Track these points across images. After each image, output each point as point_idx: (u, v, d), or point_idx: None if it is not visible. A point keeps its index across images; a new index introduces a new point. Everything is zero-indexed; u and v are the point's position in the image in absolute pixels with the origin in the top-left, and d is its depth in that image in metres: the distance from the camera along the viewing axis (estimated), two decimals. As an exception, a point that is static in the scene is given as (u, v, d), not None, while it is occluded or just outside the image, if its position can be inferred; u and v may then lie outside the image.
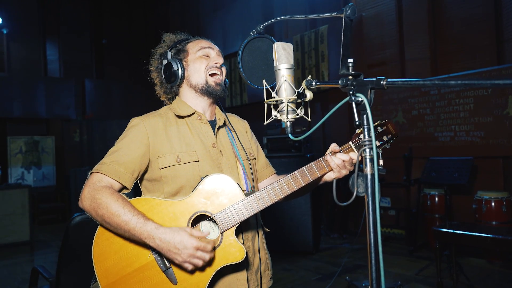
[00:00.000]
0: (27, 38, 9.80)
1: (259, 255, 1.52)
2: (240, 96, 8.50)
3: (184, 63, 1.55)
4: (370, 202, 0.90)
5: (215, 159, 1.48)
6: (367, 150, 0.91)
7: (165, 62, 1.56)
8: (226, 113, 1.67)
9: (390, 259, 4.96)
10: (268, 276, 1.57)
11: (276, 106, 1.16)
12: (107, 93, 10.62)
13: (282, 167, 5.21)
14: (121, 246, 1.35)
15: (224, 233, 1.35)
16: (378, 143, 1.42)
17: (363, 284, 3.89)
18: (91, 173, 1.42)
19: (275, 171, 1.76)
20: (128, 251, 1.34)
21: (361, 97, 0.89)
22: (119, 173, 1.39)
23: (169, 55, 1.55)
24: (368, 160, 0.91)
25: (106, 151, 1.47)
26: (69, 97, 9.94)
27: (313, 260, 5.07)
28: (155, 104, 1.69)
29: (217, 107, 1.62)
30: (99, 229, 1.37)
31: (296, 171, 1.38)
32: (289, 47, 1.14)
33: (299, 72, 6.97)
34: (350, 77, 0.95)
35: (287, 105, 1.10)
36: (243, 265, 1.41)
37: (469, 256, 4.78)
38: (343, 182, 5.41)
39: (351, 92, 0.90)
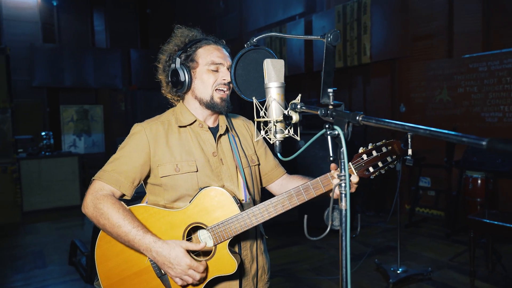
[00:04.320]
0: (76, 9, 10.11)
1: (257, 261, 1.55)
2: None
3: (192, 73, 1.50)
4: (344, 237, 0.89)
5: (214, 168, 1.49)
6: (342, 185, 0.88)
7: (173, 66, 1.52)
8: (231, 115, 1.66)
9: (425, 241, 4.85)
10: (264, 280, 1.61)
11: (266, 123, 1.14)
12: (152, 62, 10.80)
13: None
14: (122, 249, 1.42)
15: (217, 245, 1.39)
16: (381, 164, 1.38)
17: (391, 269, 3.84)
18: (93, 180, 1.47)
19: (286, 171, 1.74)
20: (128, 255, 1.42)
21: (337, 131, 0.86)
22: (120, 182, 1.43)
23: (178, 61, 1.50)
24: (343, 195, 0.88)
25: None
26: (116, 67, 10.27)
27: (344, 238, 5.06)
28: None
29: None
30: (102, 232, 1.45)
31: (292, 189, 1.38)
32: (279, 63, 1.10)
33: (340, 45, 6.72)
34: (331, 107, 0.91)
35: (274, 125, 1.08)
36: (237, 273, 1.45)
37: (510, 243, 4.56)
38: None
39: (327, 126, 0.87)
